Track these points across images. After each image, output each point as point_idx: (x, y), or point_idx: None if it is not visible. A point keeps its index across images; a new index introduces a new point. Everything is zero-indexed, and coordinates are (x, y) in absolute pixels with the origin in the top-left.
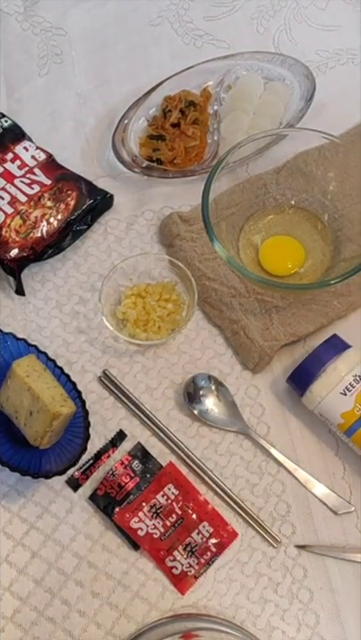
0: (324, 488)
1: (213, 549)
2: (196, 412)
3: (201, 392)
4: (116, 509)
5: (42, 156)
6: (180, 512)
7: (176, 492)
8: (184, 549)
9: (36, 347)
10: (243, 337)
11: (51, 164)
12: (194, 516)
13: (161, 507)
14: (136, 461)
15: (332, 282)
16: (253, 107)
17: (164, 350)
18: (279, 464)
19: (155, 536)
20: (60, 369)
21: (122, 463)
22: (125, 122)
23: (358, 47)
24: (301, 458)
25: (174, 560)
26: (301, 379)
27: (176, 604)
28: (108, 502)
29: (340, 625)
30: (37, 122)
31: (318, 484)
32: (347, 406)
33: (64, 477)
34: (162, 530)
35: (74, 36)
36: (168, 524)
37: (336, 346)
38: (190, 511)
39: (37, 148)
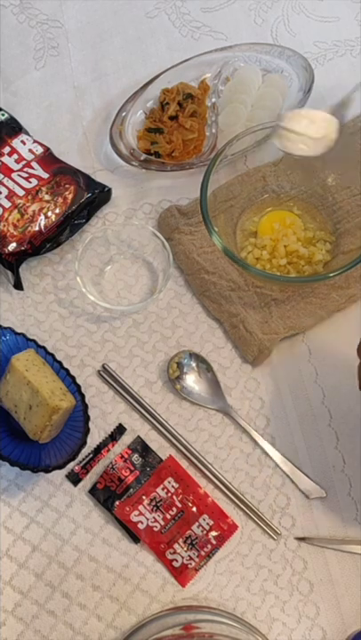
0: (299, 472)
1: (214, 542)
2: (177, 387)
3: (184, 370)
4: (116, 503)
5: (39, 150)
6: (180, 505)
7: (176, 486)
8: (184, 542)
9: (34, 341)
10: (242, 330)
11: (48, 158)
12: (194, 509)
13: (161, 500)
14: (136, 455)
15: (331, 275)
16: (251, 99)
17: (164, 344)
18: (255, 443)
19: (155, 529)
20: (59, 363)
21: (122, 457)
22: (123, 115)
23: (357, 38)
24: (301, 450)
25: (175, 553)
26: None
27: (177, 597)
28: (108, 496)
29: (340, 616)
30: (34, 115)
31: (293, 468)
32: None
33: (64, 471)
34: (162, 523)
35: (70, 29)
36: (168, 517)
37: None
38: (190, 504)
39: (34, 141)
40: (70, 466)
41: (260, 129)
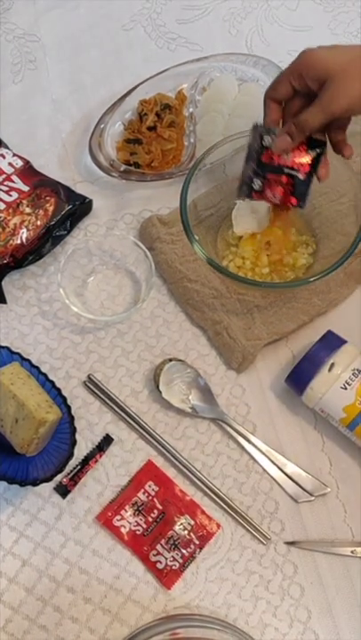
0: (286, 477)
1: (196, 542)
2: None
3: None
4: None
5: (19, 163)
6: (160, 507)
7: (156, 489)
8: (167, 543)
9: (19, 354)
10: (226, 337)
11: (28, 171)
12: (175, 510)
13: (142, 504)
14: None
15: (312, 279)
16: (228, 108)
17: (149, 353)
18: (252, 449)
19: (137, 532)
20: (45, 375)
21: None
22: (102, 126)
23: None
24: (288, 454)
25: (158, 554)
26: (301, 377)
27: (168, 606)
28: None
29: (332, 618)
30: (13, 129)
31: (280, 472)
32: (348, 400)
33: (52, 484)
34: (144, 526)
35: (47, 43)
36: (150, 519)
37: (332, 342)
38: (171, 506)
39: (14, 155)
40: (58, 478)
41: (237, 137)
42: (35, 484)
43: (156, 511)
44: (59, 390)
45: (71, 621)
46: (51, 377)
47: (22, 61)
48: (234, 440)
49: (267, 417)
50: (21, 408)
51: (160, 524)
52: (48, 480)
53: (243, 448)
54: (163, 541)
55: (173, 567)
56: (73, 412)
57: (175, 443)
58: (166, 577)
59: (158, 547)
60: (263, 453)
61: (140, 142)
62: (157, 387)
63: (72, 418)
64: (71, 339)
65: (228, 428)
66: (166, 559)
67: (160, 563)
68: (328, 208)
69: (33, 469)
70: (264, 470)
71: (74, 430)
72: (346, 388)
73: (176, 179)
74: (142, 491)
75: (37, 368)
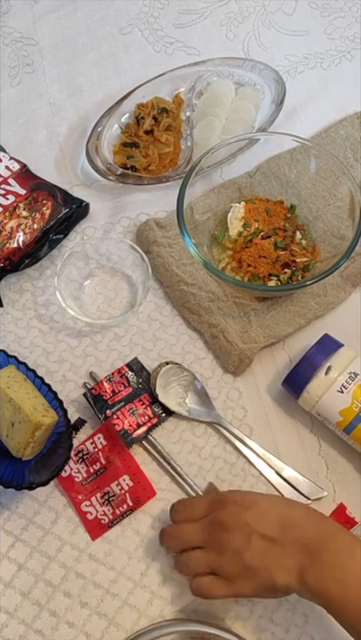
0: (283, 481)
1: (130, 503)
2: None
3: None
4: (107, 411)
5: (16, 167)
6: (104, 462)
7: (104, 443)
8: (102, 497)
9: (15, 357)
10: (222, 340)
11: (25, 174)
12: (117, 467)
13: (88, 453)
14: (131, 373)
15: (309, 283)
16: (225, 112)
17: (146, 356)
18: (249, 453)
19: (76, 480)
20: (41, 379)
21: (119, 372)
22: (99, 130)
23: (326, 51)
24: (285, 458)
25: (90, 505)
26: (297, 381)
27: (165, 610)
28: (101, 403)
29: (329, 623)
30: (10, 132)
31: (276, 476)
32: (344, 404)
33: (48, 488)
34: (84, 475)
35: (44, 46)
36: (91, 470)
37: (329, 345)
38: (115, 463)
39: (11, 158)
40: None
41: (234, 141)
42: (31, 487)
43: (98, 464)
44: (55, 394)
45: (67, 626)
46: (47, 380)
47: (20, 65)
48: (230, 444)
49: (263, 420)
50: (17, 412)
51: (99, 478)
52: (44, 484)
53: (239, 452)
54: (98, 495)
55: (103, 521)
56: (69, 415)
57: (172, 446)
58: (94, 529)
59: (93, 499)
60: (260, 457)
61: (138, 146)
62: (154, 390)
63: (68, 421)
64: (68, 342)
65: (225, 432)
66: (97, 512)
67: (90, 514)
68: (325, 212)
69: (29, 473)
70: (261, 474)
71: (70, 434)
72: (342, 392)
73: (173, 182)
74: (90, 441)
75: (33, 371)
